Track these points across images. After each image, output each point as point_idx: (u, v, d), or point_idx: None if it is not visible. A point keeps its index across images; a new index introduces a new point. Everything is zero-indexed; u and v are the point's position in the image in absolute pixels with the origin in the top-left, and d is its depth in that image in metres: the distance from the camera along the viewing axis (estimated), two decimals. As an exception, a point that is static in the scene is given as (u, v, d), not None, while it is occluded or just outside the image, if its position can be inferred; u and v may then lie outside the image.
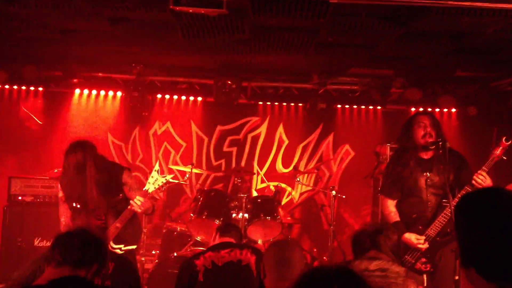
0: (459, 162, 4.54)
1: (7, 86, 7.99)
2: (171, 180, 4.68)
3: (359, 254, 3.26)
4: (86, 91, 8.16)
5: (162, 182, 4.55)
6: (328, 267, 1.78)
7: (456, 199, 4.29)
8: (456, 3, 4.17)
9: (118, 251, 4.55)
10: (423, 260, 4.38)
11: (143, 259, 6.18)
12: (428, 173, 4.53)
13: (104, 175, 4.57)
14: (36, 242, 6.45)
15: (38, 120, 8.00)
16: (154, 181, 4.53)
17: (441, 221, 4.35)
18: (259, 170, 8.31)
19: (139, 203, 4.42)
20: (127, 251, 4.60)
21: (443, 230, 4.36)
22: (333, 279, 1.70)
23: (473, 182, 4.22)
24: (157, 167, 4.59)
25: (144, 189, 4.54)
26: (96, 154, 4.60)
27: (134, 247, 4.72)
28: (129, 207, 4.48)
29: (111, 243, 4.53)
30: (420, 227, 4.43)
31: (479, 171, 4.24)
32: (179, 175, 8.15)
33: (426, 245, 4.36)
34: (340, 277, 1.72)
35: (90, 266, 2.49)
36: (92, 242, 2.56)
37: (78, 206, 4.60)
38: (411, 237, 4.39)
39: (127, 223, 4.55)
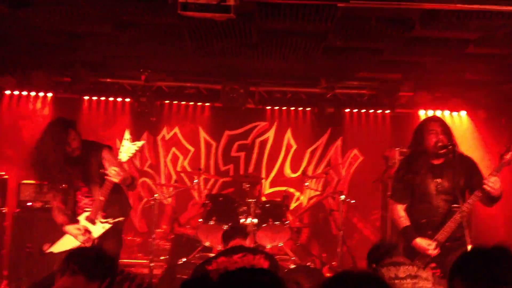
0: (470, 167, 4.51)
1: (16, 92, 8.03)
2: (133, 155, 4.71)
3: (377, 261, 3.20)
4: (94, 97, 8.19)
5: (135, 149, 4.65)
6: (355, 273, 1.79)
7: (467, 205, 4.28)
8: (465, 6, 4.14)
9: (106, 225, 4.70)
10: (433, 265, 4.34)
11: (151, 264, 6.17)
12: (439, 179, 4.50)
13: (83, 152, 4.77)
14: (45, 248, 6.46)
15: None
16: (126, 150, 4.63)
17: (450, 226, 4.31)
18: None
19: (114, 172, 4.55)
20: (115, 223, 4.75)
21: (453, 235, 4.32)
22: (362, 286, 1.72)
23: (484, 186, 4.19)
24: (127, 135, 4.68)
25: (118, 158, 4.64)
26: (74, 132, 4.79)
27: (121, 219, 4.85)
28: (106, 177, 4.59)
29: (99, 219, 4.70)
30: (430, 232, 4.40)
31: (489, 176, 4.22)
32: (187, 180, 8.15)
33: (436, 251, 4.33)
34: (369, 285, 1.73)
35: (103, 279, 2.49)
36: (105, 257, 2.59)
37: (64, 186, 4.77)
38: (422, 242, 4.36)
39: (112, 198, 4.70)
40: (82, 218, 4.73)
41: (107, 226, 4.71)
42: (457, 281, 2.12)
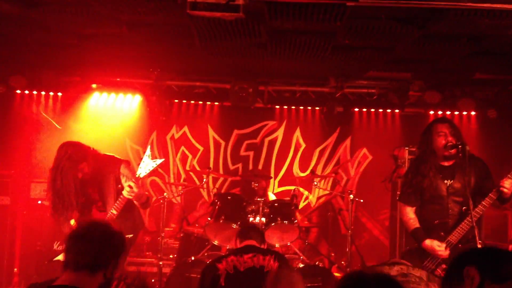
0: (482, 169, 4.49)
1: (26, 91, 8.09)
2: (158, 167, 4.72)
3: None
4: (104, 96, 8.22)
5: (153, 166, 4.61)
6: (366, 274, 1.80)
7: (481, 207, 4.25)
8: (475, 4, 4.12)
9: None
10: (444, 266, 4.32)
11: (160, 263, 6.19)
12: (449, 181, 4.47)
13: (101, 167, 4.79)
14: (55, 246, 6.50)
15: (57, 125, 8.08)
16: (145, 166, 4.60)
17: (463, 227, 4.29)
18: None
19: (128, 189, 4.52)
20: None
21: (465, 236, 4.30)
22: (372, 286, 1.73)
23: (502, 189, 4.17)
24: (148, 152, 4.64)
25: (136, 175, 4.61)
26: (87, 151, 4.81)
27: (130, 236, 4.85)
28: (121, 194, 4.59)
29: None
30: (442, 233, 4.37)
31: (505, 178, 4.20)
32: (196, 179, 8.17)
33: (447, 253, 4.30)
34: (380, 285, 1.74)
35: (106, 265, 2.46)
36: (103, 241, 2.49)
37: (82, 200, 4.79)
38: (431, 243, 4.34)
39: (126, 213, 4.70)
40: None
41: None
42: (471, 269, 2.13)
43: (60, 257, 4.75)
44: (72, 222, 4.82)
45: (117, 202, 4.62)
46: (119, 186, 4.77)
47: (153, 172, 4.74)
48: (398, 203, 4.84)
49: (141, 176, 4.60)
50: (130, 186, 4.52)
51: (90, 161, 4.78)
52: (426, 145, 4.58)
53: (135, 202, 4.82)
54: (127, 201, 4.63)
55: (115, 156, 5.05)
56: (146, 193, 4.97)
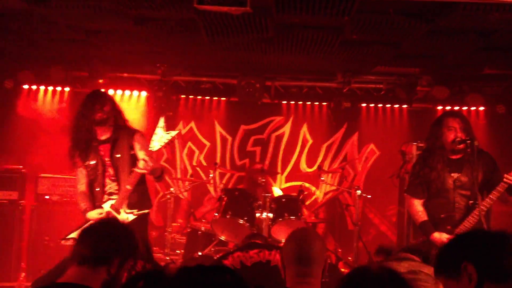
0: (489, 162, 4.48)
1: (34, 87, 8.10)
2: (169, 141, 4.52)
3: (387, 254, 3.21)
4: (111, 91, 8.22)
5: (167, 139, 4.43)
6: (371, 270, 1.79)
7: (488, 200, 4.24)
8: (484, -2, 4.10)
9: (131, 216, 4.58)
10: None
11: (167, 258, 6.20)
12: (456, 174, 4.46)
13: (115, 134, 4.68)
14: (62, 241, 6.52)
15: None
16: (159, 139, 4.42)
17: (470, 221, 4.28)
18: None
19: (143, 163, 4.34)
20: (140, 216, 4.64)
21: (472, 230, 4.29)
22: (376, 282, 1.72)
23: (505, 180, 4.17)
24: (161, 123, 4.45)
25: (149, 148, 4.43)
26: (106, 95, 4.79)
27: (147, 211, 4.73)
28: (135, 168, 4.42)
29: (124, 208, 4.57)
30: (449, 227, 4.37)
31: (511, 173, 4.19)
32: (203, 175, 8.17)
33: None
34: (384, 280, 1.73)
35: (110, 262, 2.41)
36: (108, 236, 2.44)
37: (93, 162, 4.66)
38: (441, 236, 4.33)
39: (138, 189, 4.56)
40: (106, 205, 4.59)
41: (132, 217, 4.57)
42: (469, 267, 1.99)
43: (74, 234, 4.55)
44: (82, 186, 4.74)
45: (131, 176, 4.45)
46: (132, 152, 4.64)
47: (168, 145, 4.51)
48: (406, 195, 4.83)
49: (154, 149, 4.40)
50: (144, 160, 4.33)
51: (107, 103, 4.67)
52: (435, 138, 4.57)
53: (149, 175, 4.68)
54: (141, 175, 4.49)
55: (130, 126, 4.89)
56: (162, 167, 4.80)
